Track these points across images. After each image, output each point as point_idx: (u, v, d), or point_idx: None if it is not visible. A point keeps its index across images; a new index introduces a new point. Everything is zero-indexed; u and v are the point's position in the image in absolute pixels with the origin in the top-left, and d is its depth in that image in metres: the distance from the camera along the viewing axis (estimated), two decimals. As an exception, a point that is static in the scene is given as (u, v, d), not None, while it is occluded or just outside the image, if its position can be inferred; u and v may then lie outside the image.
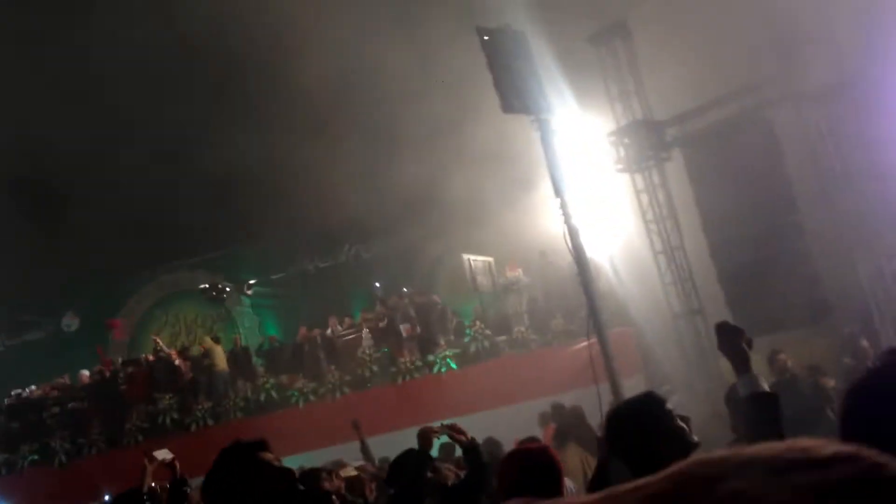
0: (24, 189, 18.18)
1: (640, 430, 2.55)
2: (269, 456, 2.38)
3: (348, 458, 7.65)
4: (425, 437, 4.29)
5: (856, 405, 1.42)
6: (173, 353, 14.82)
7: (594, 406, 9.60)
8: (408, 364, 13.64)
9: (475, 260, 14.75)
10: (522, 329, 13.72)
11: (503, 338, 13.96)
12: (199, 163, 16.69)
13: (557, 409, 8.82)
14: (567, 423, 7.86)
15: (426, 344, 14.03)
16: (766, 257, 11.91)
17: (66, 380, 14.92)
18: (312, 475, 4.30)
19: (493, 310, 14.71)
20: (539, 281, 14.30)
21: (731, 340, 2.61)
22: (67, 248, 18.06)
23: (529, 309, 14.14)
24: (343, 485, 4.68)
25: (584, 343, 12.85)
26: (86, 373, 14.79)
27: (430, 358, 13.83)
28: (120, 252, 18.32)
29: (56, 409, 13.80)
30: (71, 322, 19.69)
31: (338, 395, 13.73)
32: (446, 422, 4.60)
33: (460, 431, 4.22)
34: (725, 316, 7.99)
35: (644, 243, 13.38)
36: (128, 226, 17.89)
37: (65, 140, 16.14)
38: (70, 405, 13.85)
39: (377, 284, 16.49)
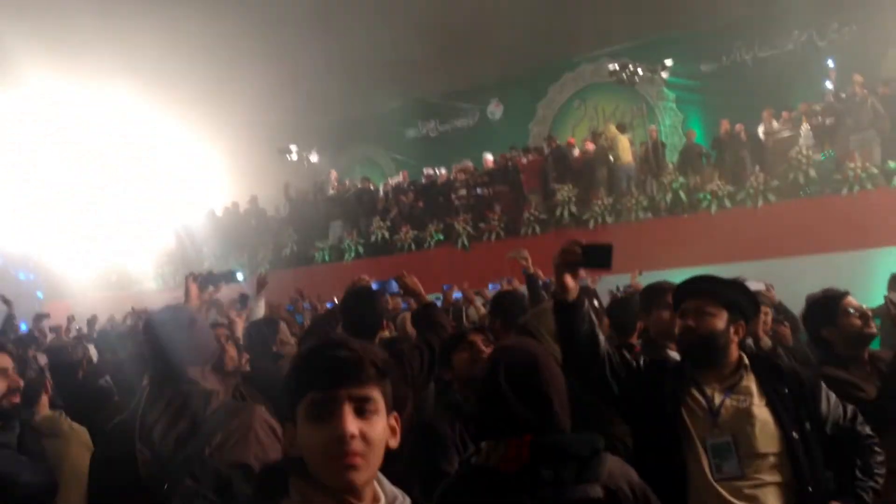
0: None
1: None
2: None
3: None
4: None
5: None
6: (570, 141, 13.65)
7: None
8: (858, 170, 10.61)
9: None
10: None
11: None
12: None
13: None
14: None
15: (887, 146, 10.79)
16: None
17: (471, 165, 14.78)
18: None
19: None
20: None
21: None
22: (495, 39, 17.65)
23: None
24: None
25: None
26: (489, 157, 14.46)
27: (893, 165, 10.60)
28: (544, 41, 17.37)
29: (462, 192, 13.74)
30: (495, 110, 19.88)
31: (760, 201, 11.37)
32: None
33: None
34: None
35: None
36: (551, 13, 16.69)
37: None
38: (475, 190, 13.65)
39: (830, 64, 12.86)
